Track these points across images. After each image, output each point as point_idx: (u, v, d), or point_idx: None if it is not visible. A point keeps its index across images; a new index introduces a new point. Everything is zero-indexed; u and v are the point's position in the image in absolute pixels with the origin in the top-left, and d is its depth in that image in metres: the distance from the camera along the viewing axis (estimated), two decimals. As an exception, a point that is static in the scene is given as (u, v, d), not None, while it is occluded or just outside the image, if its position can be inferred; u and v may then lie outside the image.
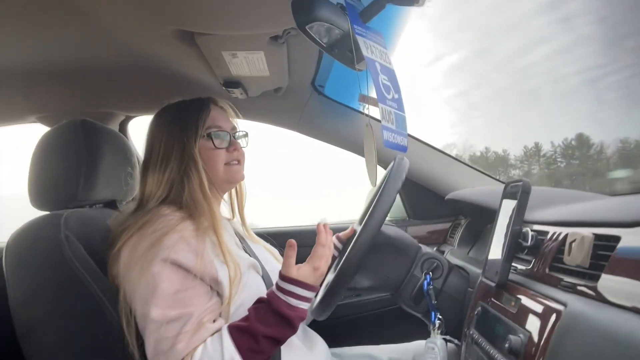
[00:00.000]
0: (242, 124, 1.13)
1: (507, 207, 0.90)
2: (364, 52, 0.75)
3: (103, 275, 0.92)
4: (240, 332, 0.83)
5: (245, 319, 0.85)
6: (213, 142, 1.02)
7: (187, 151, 0.99)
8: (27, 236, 0.94)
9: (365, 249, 0.96)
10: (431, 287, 1.09)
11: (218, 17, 0.91)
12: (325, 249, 0.91)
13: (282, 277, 0.88)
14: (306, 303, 0.88)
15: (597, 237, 0.67)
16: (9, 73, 1.26)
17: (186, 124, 1.01)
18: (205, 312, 0.85)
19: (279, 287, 0.87)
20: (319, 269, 0.89)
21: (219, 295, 0.91)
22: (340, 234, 1.28)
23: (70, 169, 1.04)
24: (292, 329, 0.86)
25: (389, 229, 1.17)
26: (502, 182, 1.64)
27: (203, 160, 1.00)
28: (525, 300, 0.76)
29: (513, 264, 0.88)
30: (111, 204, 1.20)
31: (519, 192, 0.85)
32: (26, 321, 0.89)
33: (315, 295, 1.19)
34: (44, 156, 1.07)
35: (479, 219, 1.46)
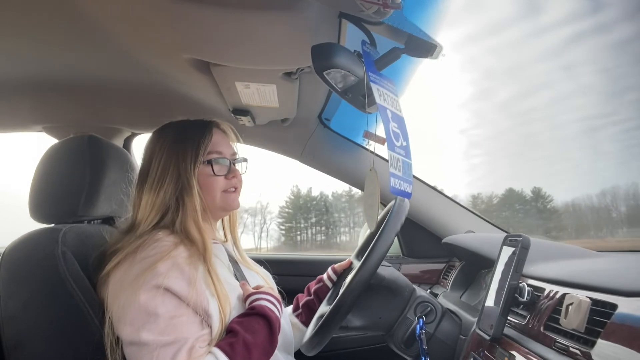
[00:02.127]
0: (242, 148, 1.13)
1: (506, 258, 0.91)
2: (377, 100, 0.77)
3: (96, 295, 0.92)
4: (231, 346, 0.83)
5: (232, 334, 0.86)
6: (213, 169, 1.01)
7: (184, 176, 0.97)
8: (24, 249, 0.94)
9: (361, 290, 0.96)
10: (423, 331, 1.09)
11: (236, 51, 0.93)
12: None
13: (250, 294, 0.95)
14: (278, 310, 0.95)
15: (594, 302, 0.68)
16: (20, 82, 1.27)
17: (186, 148, 0.99)
18: (198, 339, 0.84)
19: (256, 298, 0.93)
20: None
21: (208, 327, 0.89)
22: (336, 266, 1.28)
23: (74, 184, 1.04)
24: (274, 337, 0.90)
25: (385, 270, 1.17)
26: (500, 229, 1.65)
27: (200, 186, 0.99)
28: (519, 358, 0.76)
29: (508, 317, 0.88)
30: (109, 220, 1.20)
31: (518, 246, 0.86)
32: (15, 335, 0.88)
33: (304, 322, 1.19)
34: (49, 169, 1.08)
35: (474, 263, 1.46)
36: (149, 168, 1.00)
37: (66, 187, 1.05)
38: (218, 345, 0.84)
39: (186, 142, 1.00)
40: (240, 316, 0.90)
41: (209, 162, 1.01)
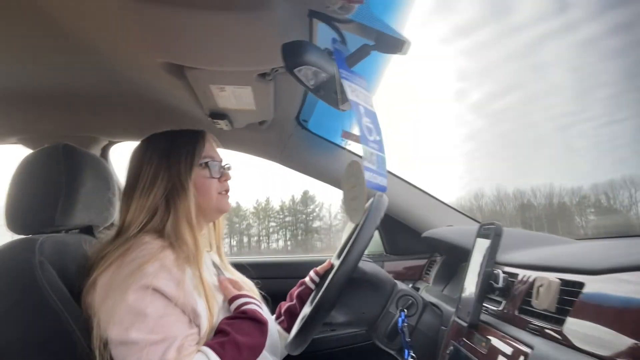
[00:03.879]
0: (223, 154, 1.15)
1: (481, 247, 0.94)
2: (349, 96, 0.78)
3: (76, 304, 0.91)
4: (221, 345, 0.85)
5: (222, 334, 0.87)
6: (210, 171, 1.04)
7: (178, 179, 0.99)
8: (1, 260, 0.92)
9: (343, 284, 0.98)
10: (405, 324, 1.11)
11: (209, 53, 0.94)
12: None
13: (234, 297, 0.97)
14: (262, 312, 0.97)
15: (563, 282, 0.71)
16: None
17: (180, 153, 1.02)
18: (187, 337, 0.85)
19: (243, 303, 0.95)
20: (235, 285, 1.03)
21: (196, 327, 0.90)
22: (318, 268, 1.29)
23: (49, 194, 1.03)
24: (264, 337, 0.92)
25: (366, 265, 1.19)
26: (478, 222, 1.68)
27: (196, 189, 1.01)
28: (495, 342, 0.78)
29: (485, 304, 0.91)
30: (88, 230, 1.18)
31: (491, 234, 0.88)
32: None
33: (286, 329, 1.20)
34: (24, 179, 1.06)
35: (454, 257, 1.49)
36: (139, 175, 1.01)
37: (42, 197, 1.03)
38: (208, 344, 0.85)
39: (180, 148, 1.03)
40: (229, 318, 0.91)
41: (206, 165, 1.04)
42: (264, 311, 0.99)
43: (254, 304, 0.96)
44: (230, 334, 0.85)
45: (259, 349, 0.90)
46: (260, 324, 0.91)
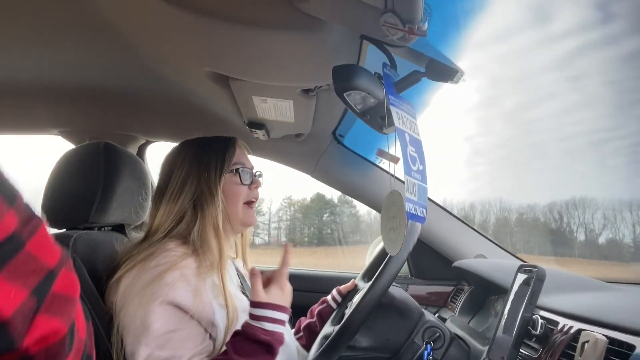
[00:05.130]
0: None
1: (519, 289, 0.90)
2: (396, 123, 0.76)
3: (102, 303, 0.91)
4: None
5: (224, 353, 0.84)
6: (240, 177, 1.03)
7: (207, 185, 0.99)
8: None
9: (372, 308, 0.97)
10: (431, 357, 1.07)
11: (255, 68, 0.94)
12: (287, 268, 0.95)
13: (253, 303, 0.88)
14: (281, 326, 0.88)
15: (611, 341, 0.66)
16: (39, 86, 1.29)
17: (211, 158, 1.02)
18: (194, 355, 0.84)
19: (251, 316, 0.87)
20: (285, 287, 0.92)
21: (212, 337, 0.90)
22: (341, 288, 1.27)
23: (87, 191, 1.05)
24: (272, 355, 0.85)
25: (395, 290, 1.16)
26: (511, 254, 1.63)
27: (225, 196, 1.01)
28: (530, 393, 0.74)
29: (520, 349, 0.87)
30: (119, 228, 1.20)
31: (533, 278, 0.84)
32: None
33: (305, 345, 1.17)
34: (63, 174, 1.08)
35: (484, 289, 1.44)
36: (169, 181, 1.01)
37: (80, 193, 1.05)
38: None
39: (210, 154, 1.03)
40: (235, 334, 0.87)
41: (237, 171, 1.04)
42: (286, 329, 0.94)
43: (269, 319, 0.87)
44: (229, 354, 0.82)
45: None
46: (262, 345, 0.85)
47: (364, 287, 1.08)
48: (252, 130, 1.35)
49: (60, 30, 0.97)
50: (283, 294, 0.91)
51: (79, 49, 1.06)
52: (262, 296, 0.88)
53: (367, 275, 1.27)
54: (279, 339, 0.87)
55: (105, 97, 1.34)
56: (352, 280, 1.29)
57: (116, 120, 1.52)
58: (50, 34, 0.99)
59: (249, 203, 1.06)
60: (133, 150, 1.63)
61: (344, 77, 0.73)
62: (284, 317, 0.89)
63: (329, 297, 1.27)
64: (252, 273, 0.92)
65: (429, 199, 1.65)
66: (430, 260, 1.74)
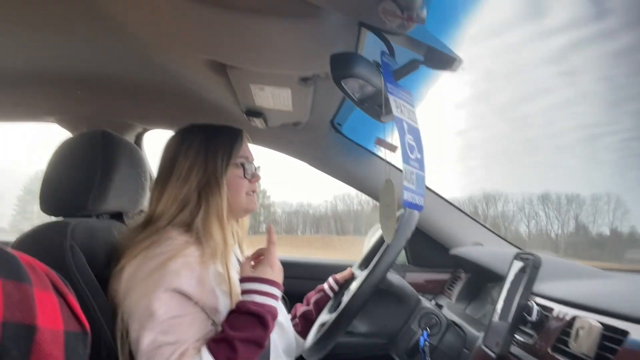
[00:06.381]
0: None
1: (516, 276, 0.90)
2: (394, 111, 0.76)
3: (102, 292, 0.92)
4: (216, 343, 0.84)
5: (221, 330, 0.86)
6: (244, 171, 1.04)
7: (212, 174, 0.99)
8: (33, 241, 0.94)
9: (369, 295, 0.98)
10: (427, 343, 1.09)
11: (253, 55, 0.93)
12: (275, 247, 0.98)
13: (242, 279, 0.92)
14: (272, 299, 0.90)
15: (605, 327, 0.67)
16: (36, 73, 1.28)
17: (218, 148, 1.02)
18: (198, 340, 0.86)
19: (242, 292, 0.91)
20: (274, 265, 0.95)
21: (215, 324, 0.91)
22: (337, 276, 1.29)
23: (85, 178, 1.05)
24: (265, 328, 0.87)
25: (393, 277, 1.18)
26: (508, 242, 1.64)
27: (228, 187, 1.01)
28: (525, 378, 0.75)
29: (514, 335, 0.88)
30: (118, 216, 1.20)
31: (529, 265, 0.85)
32: None
33: (300, 332, 1.19)
34: (62, 162, 1.08)
35: (481, 276, 1.46)
36: (174, 165, 1.01)
37: (78, 181, 1.05)
38: (206, 343, 0.86)
39: (218, 143, 1.03)
40: (229, 313, 0.90)
41: (241, 165, 1.04)
42: (283, 313, 0.96)
43: (258, 291, 0.90)
44: (225, 331, 0.85)
45: (258, 341, 0.86)
46: (255, 316, 0.87)
47: (362, 275, 1.09)
48: (250, 118, 1.35)
49: (56, 18, 0.96)
50: (273, 271, 0.93)
51: (74, 37, 1.05)
52: (249, 271, 0.93)
53: (365, 263, 1.28)
54: (271, 311, 0.89)
55: (102, 85, 1.33)
56: (349, 268, 1.30)
57: (113, 108, 1.51)
58: (45, 22, 0.98)
59: (249, 193, 1.07)
60: (130, 138, 1.63)
61: (342, 64, 0.73)
62: (275, 290, 0.92)
63: (325, 286, 1.28)
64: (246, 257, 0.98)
65: (426, 187, 1.65)
66: (427, 248, 1.75)
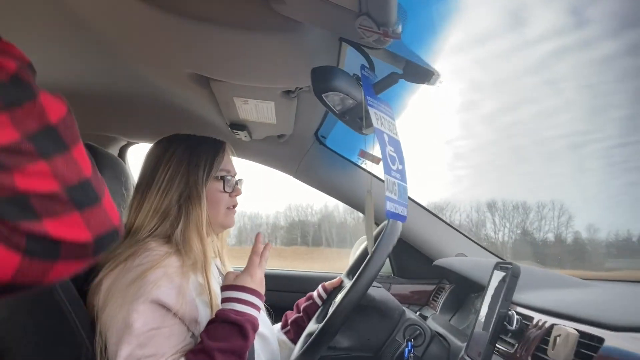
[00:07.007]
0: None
1: (496, 286, 0.92)
2: (374, 123, 0.77)
3: (83, 305, 0.91)
4: (194, 354, 0.83)
5: (200, 341, 0.85)
6: (224, 185, 1.03)
7: (193, 187, 0.98)
8: None
9: (350, 311, 0.97)
10: (412, 354, 1.09)
11: (236, 69, 0.94)
12: (259, 258, 0.96)
13: (222, 288, 0.91)
14: (253, 309, 0.89)
15: (582, 334, 0.69)
16: None
17: (200, 160, 1.01)
18: (176, 353, 0.84)
19: (222, 299, 0.89)
20: (255, 275, 0.93)
21: (194, 336, 0.90)
22: (327, 284, 1.28)
23: None
24: (245, 338, 0.85)
25: (375, 292, 1.18)
26: (490, 252, 1.66)
27: (207, 200, 1.00)
28: (506, 387, 0.76)
29: (496, 344, 0.89)
30: (100, 230, 1.18)
31: (508, 274, 0.86)
32: (1, 341, 0.87)
33: (293, 339, 1.18)
34: None
35: (464, 287, 1.47)
36: (155, 174, 1.00)
37: None
38: (185, 354, 0.84)
39: (200, 155, 1.02)
40: (208, 323, 0.88)
41: (222, 178, 1.03)
42: (266, 325, 0.95)
43: (238, 299, 0.89)
44: (203, 341, 0.83)
45: (238, 351, 0.85)
46: (234, 325, 0.85)
47: (348, 284, 1.10)
48: (234, 131, 1.35)
49: (38, 29, 0.96)
50: (253, 280, 0.92)
51: (57, 51, 1.05)
52: (231, 280, 0.92)
53: (352, 272, 1.28)
54: (251, 320, 0.87)
55: (85, 98, 1.32)
56: (339, 277, 1.30)
57: (97, 122, 1.50)
58: (28, 37, 0.98)
59: (229, 208, 1.06)
60: (114, 151, 1.62)
61: (323, 78, 0.74)
62: (256, 300, 0.90)
63: (314, 294, 1.28)
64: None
65: (409, 198, 1.67)
66: (412, 259, 1.75)
